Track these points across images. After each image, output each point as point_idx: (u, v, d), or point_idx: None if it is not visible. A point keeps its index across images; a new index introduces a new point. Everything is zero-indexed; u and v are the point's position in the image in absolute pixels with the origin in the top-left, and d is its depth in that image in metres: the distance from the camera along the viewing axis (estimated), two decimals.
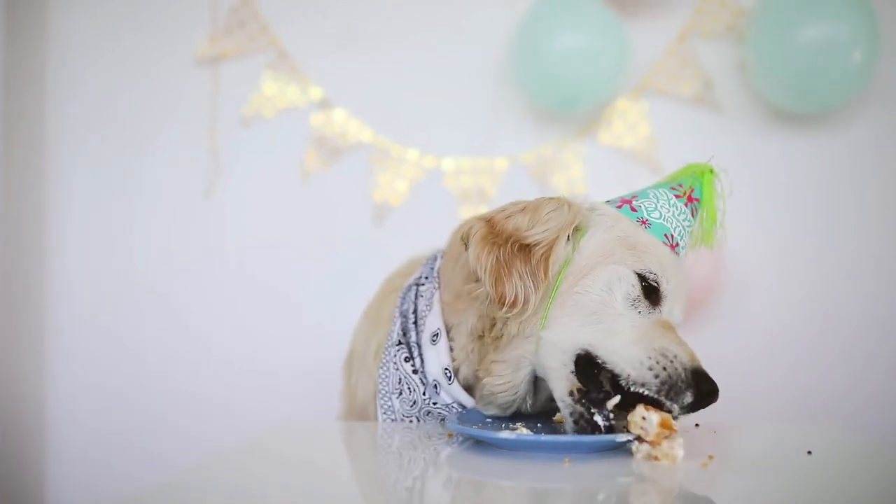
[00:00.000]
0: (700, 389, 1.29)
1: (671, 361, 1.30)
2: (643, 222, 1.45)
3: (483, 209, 2.65)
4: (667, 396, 1.29)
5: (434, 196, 2.67)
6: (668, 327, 1.37)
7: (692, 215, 1.49)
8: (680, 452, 1.20)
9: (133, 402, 2.70)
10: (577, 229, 1.41)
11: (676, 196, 1.49)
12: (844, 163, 2.63)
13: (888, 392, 2.55)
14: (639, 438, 1.21)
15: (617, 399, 1.30)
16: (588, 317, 1.36)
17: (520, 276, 1.35)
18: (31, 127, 2.68)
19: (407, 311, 1.57)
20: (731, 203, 2.60)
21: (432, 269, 1.60)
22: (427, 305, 1.55)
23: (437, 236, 2.65)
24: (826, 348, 2.58)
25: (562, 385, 1.34)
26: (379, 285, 1.81)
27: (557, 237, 1.37)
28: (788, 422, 2.52)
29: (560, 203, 1.43)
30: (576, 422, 1.30)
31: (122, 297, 2.72)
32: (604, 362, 1.33)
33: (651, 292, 1.38)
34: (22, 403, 2.64)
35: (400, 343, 1.55)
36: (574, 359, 1.35)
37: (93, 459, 2.69)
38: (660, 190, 1.51)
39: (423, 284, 1.59)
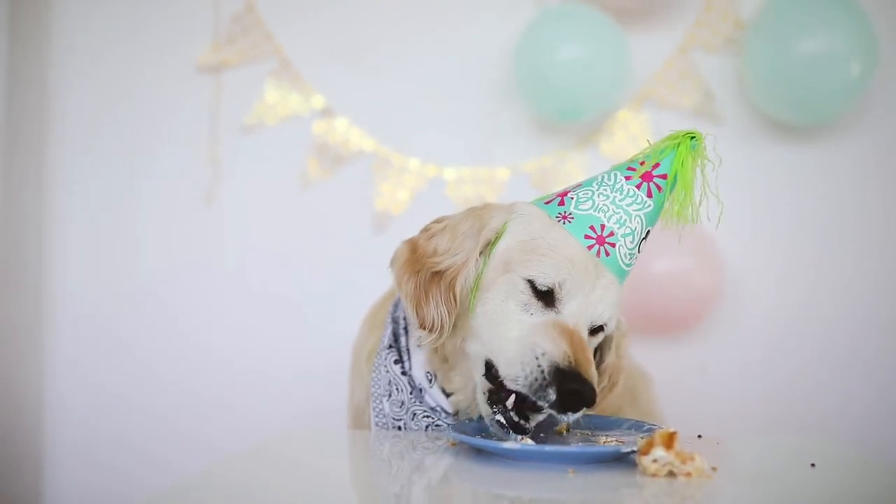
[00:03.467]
0: (562, 388, 1.29)
1: (537, 358, 1.33)
2: (564, 217, 1.42)
3: None
4: (534, 394, 1.31)
5: (435, 205, 2.66)
6: (557, 326, 1.36)
7: (649, 195, 1.42)
8: (706, 464, 1.20)
9: (132, 404, 2.70)
10: (490, 242, 1.44)
11: (627, 178, 1.43)
12: (842, 174, 2.64)
13: (888, 401, 2.56)
14: (671, 473, 1.20)
15: (512, 398, 1.34)
16: (491, 327, 1.40)
17: (436, 304, 1.40)
18: (32, 131, 2.68)
19: (399, 317, 1.60)
20: (733, 213, 2.63)
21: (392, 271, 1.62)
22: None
23: None
24: (826, 358, 2.59)
25: (479, 389, 1.41)
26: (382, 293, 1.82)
27: (466, 261, 1.42)
28: (788, 431, 2.52)
29: (478, 216, 1.47)
30: (490, 422, 1.37)
31: (122, 301, 2.72)
32: (495, 369, 1.38)
33: (544, 295, 1.39)
34: (20, 404, 2.63)
35: (391, 346, 1.58)
36: (484, 365, 1.41)
37: (91, 460, 2.69)
38: (612, 173, 1.46)
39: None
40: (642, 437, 1.31)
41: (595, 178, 1.48)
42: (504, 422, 1.34)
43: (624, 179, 1.44)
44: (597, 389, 1.33)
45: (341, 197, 2.69)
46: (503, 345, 1.37)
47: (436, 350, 1.50)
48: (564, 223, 1.42)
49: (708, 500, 1.13)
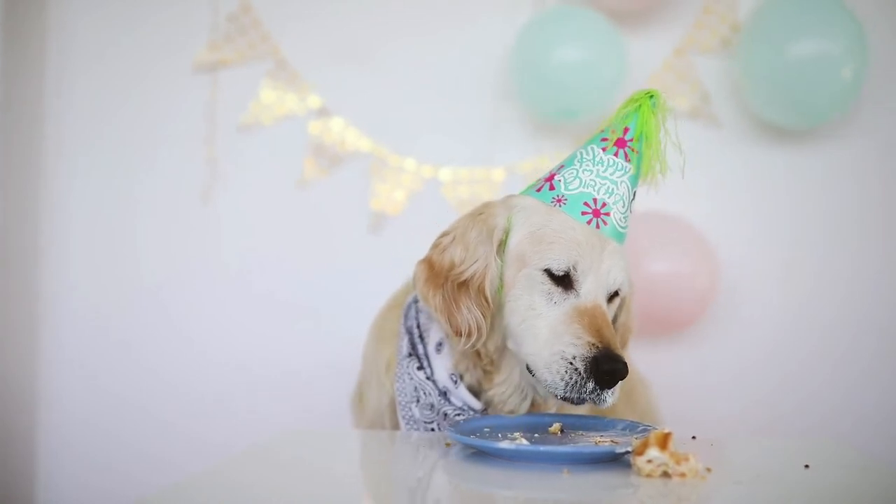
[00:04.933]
0: (598, 373, 1.39)
1: (570, 363, 1.41)
2: (558, 201, 1.51)
3: None
4: (575, 392, 1.40)
5: (432, 206, 2.67)
6: (578, 314, 1.45)
7: (627, 160, 1.52)
8: (700, 465, 1.20)
9: (128, 403, 2.70)
10: (502, 241, 1.51)
11: (604, 149, 1.53)
12: (837, 175, 2.65)
13: (886, 404, 2.57)
14: (665, 474, 1.20)
15: None
16: (521, 324, 1.48)
17: (468, 309, 1.47)
18: (29, 131, 2.67)
19: (411, 326, 1.65)
20: (729, 214, 2.64)
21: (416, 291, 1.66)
22: (428, 319, 1.63)
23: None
24: (823, 360, 2.60)
25: (538, 384, 1.49)
26: (385, 301, 1.84)
27: (487, 265, 1.49)
28: (785, 433, 2.53)
29: (482, 220, 1.53)
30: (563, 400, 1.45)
31: (119, 300, 2.72)
32: (535, 373, 1.47)
33: (562, 280, 1.47)
34: (15, 404, 2.63)
35: (411, 355, 1.62)
36: (526, 366, 1.49)
37: (86, 460, 2.69)
38: (587, 148, 1.55)
39: (419, 301, 1.65)
40: (637, 438, 1.31)
41: (573, 156, 1.56)
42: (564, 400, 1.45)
43: (601, 151, 1.53)
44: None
45: (337, 197, 2.69)
46: (537, 350, 1.45)
47: (472, 353, 1.55)
48: (560, 206, 1.50)
49: (702, 501, 1.14)
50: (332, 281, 2.68)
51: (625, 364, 1.40)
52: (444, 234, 1.57)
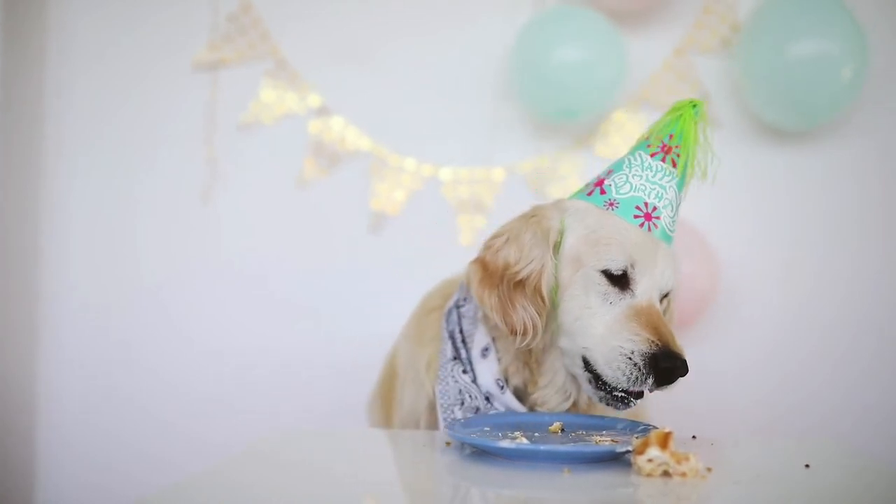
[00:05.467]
0: (658, 370, 1.43)
1: (630, 358, 1.44)
2: (611, 204, 1.54)
3: (480, 219, 2.66)
4: (636, 387, 1.46)
5: (431, 205, 2.67)
6: (635, 313, 1.49)
7: (674, 165, 1.56)
8: (701, 464, 1.20)
9: (127, 402, 2.70)
10: (557, 242, 1.54)
11: (652, 155, 1.56)
12: (836, 175, 2.65)
13: (886, 404, 2.57)
14: (666, 473, 1.20)
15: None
16: (578, 324, 1.52)
17: (523, 308, 1.50)
18: (28, 130, 2.67)
19: (453, 331, 1.67)
20: (729, 214, 2.64)
21: (469, 291, 1.68)
22: (472, 324, 1.66)
23: (433, 245, 2.67)
24: (823, 360, 2.60)
25: (583, 379, 1.54)
26: (417, 305, 1.86)
27: (543, 265, 1.51)
28: (785, 433, 2.53)
29: (536, 222, 1.55)
30: (607, 403, 1.50)
31: (118, 299, 2.72)
32: (594, 368, 1.50)
33: (618, 280, 1.51)
34: (12, 404, 2.62)
35: (455, 358, 1.64)
36: (582, 362, 1.52)
37: (85, 459, 2.69)
38: (635, 154, 1.58)
39: (462, 306, 1.69)
40: (637, 437, 1.31)
41: (622, 162, 1.59)
42: (610, 401, 1.50)
43: (649, 157, 1.57)
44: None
45: (337, 196, 2.69)
46: (594, 344, 1.50)
47: (523, 353, 1.59)
48: (613, 210, 1.54)
49: (703, 501, 1.14)
50: (332, 281, 2.68)
51: (684, 362, 1.43)
52: (496, 236, 1.60)
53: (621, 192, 1.54)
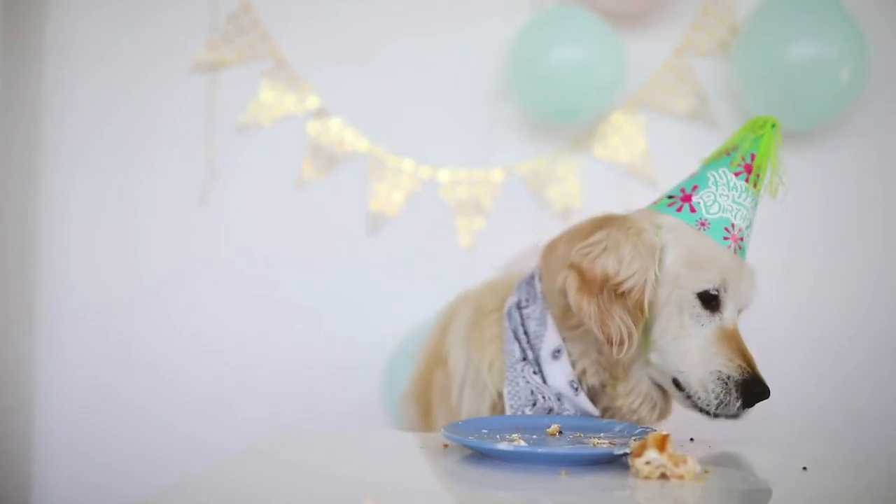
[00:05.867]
0: (747, 396, 1.50)
1: (725, 383, 1.51)
2: (702, 224, 1.57)
3: (479, 220, 2.66)
4: (724, 410, 1.52)
5: (430, 206, 2.67)
6: (725, 336, 1.55)
7: (755, 186, 1.59)
8: (699, 467, 1.20)
9: (127, 403, 2.70)
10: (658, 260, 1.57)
11: (736, 174, 1.59)
12: (834, 177, 2.66)
13: (884, 405, 2.57)
14: (663, 476, 1.20)
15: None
16: (671, 342, 1.56)
17: (621, 318, 1.51)
18: (27, 131, 2.67)
19: (517, 332, 1.67)
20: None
21: (534, 291, 1.70)
22: (540, 325, 1.66)
23: (432, 246, 2.67)
24: (822, 361, 2.60)
25: (673, 395, 1.60)
26: (462, 307, 1.85)
27: (646, 280, 1.53)
28: (783, 434, 2.53)
29: (635, 234, 1.55)
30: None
31: (117, 299, 2.72)
32: (685, 389, 1.56)
33: (710, 302, 1.55)
34: (10, 404, 2.62)
35: (525, 359, 1.64)
36: (672, 382, 1.58)
37: (85, 459, 2.69)
38: (719, 171, 1.60)
39: (526, 307, 1.69)
40: (635, 440, 1.31)
41: (706, 178, 1.60)
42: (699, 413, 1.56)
43: (734, 176, 1.59)
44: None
45: (336, 197, 2.69)
46: (689, 368, 1.55)
47: (605, 359, 1.61)
48: (705, 230, 1.57)
49: (700, 503, 1.14)
50: (332, 281, 2.68)
51: (768, 388, 1.51)
52: (591, 244, 1.58)
53: (710, 211, 1.57)
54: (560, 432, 1.46)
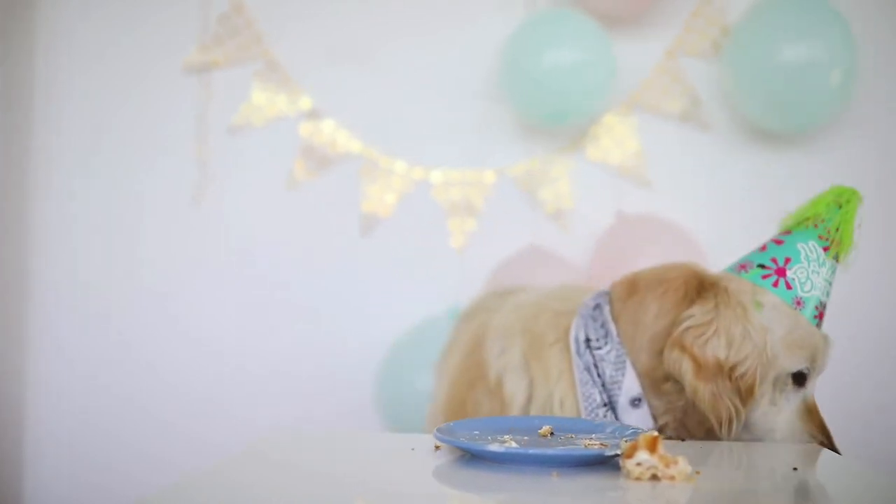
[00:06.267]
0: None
1: None
2: (798, 303, 1.58)
3: (471, 221, 2.66)
4: None
5: (422, 208, 2.68)
6: (807, 410, 1.60)
7: (836, 259, 1.62)
8: (689, 468, 1.20)
9: (125, 403, 2.72)
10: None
11: (825, 249, 1.60)
12: (826, 179, 2.63)
13: (883, 405, 2.58)
14: (654, 477, 1.20)
15: None
16: (761, 417, 1.57)
17: (731, 401, 1.52)
18: (19, 133, 2.67)
19: (592, 373, 1.63)
20: (718, 218, 2.65)
21: (605, 330, 1.65)
22: (617, 370, 1.62)
23: (425, 248, 2.67)
24: None
25: None
26: (495, 328, 1.79)
27: (756, 367, 1.53)
28: None
29: (744, 317, 1.54)
30: None
31: (109, 298, 2.73)
32: None
33: (800, 379, 1.58)
34: (6, 404, 2.62)
35: (606, 405, 1.61)
36: None
37: (85, 459, 2.70)
38: (809, 244, 1.60)
39: (599, 347, 1.63)
40: (626, 441, 1.31)
41: (797, 251, 1.60)
42: None
43: (823, 252, 1.61)
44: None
45: (328, 199, 2.69)
46: (773, 440, 1.57)
47: (690, 417, 1.60)
48: (800, 309, 1.58)
49: (692, 503, 1.13)
50: (322, 282, 2.69)
51: (837, 451, 1.54)
52: (700, 325, 1.56)
53: (804, 289, 1.58)
54: (552, 433, 1.46)
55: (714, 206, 2.67)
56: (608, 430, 1.47)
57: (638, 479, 1.19)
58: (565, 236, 2.66)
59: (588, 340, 1.65)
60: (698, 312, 1.55)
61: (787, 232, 1.65)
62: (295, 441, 1.51)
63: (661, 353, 1.57)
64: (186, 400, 2.68)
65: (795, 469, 1.28)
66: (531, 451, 1.26)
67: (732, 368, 1.52)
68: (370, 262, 2.68)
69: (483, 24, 2.68)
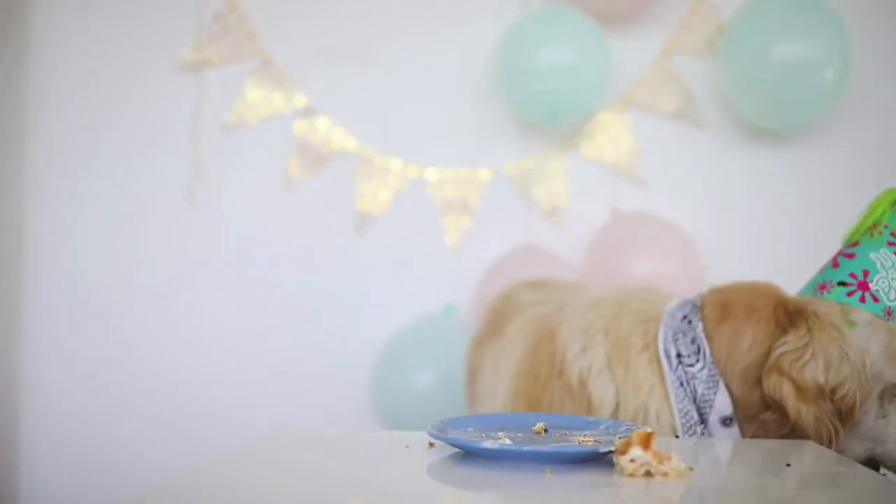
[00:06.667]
0: None
1: None
2: (888, 314, 1.58)
3: (466, 219, 2.66)
4: None
5: (417, 206, 2.67)
6: None
7: None
8: (683, 464, 1.20)
9: (124, 403, 2.72)
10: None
11: (895, 254, 1.61)
12: (819, 178, 2.68)
13: None
14: (648, 473, 1.20)
15: None
16: (869, 431, 1.59)
17: (831, 422, 1.53)
18: (11, 131, 2.66)
19: (686, 388, 1.63)
20: (711, 216, 2.65)
21: (696, 347, 1.65)
22: (709, 388, 1.62)
23: (419, 245, 2.68)
24: None
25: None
26: (562, 327, 1.77)
27: (856, 390, 1.54)
28: None
29: (841, 339, 1.55)
30: None
31: (103, 297, 2.72)
32: (879, 465, 1.61)
33: None
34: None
35: (701, 423, 1.62)
36: (865, 459, 1.62)
37: (85, 459, 2.71)
38: (881, 252, 1.61)
39: (691, 364, 1.63)
40: (620, 437, 1.31)
41: (873, 262, 1.61)
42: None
43: (893, 256, 1.61)
44: None
45: (323, 196, 2.69)
46: (885, 448, 1.59)
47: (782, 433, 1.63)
48: (891, 319, 1.58)
49: (684, 500, 1.14)
50: (317, 279, 2.69)
51: None
52: (797, 349, 1.57)
53: (890, 298, 1.58)
54: (546, 430, 1.46)
55: (708, 204, 2.67)
56: (602, 426, 1.47)
57: (632, 475, 1.19)
58: (560, 234, 2.66)
59: (679, 356, 1.64)
60: (792, 339, 1.57)
61: (855, 244, 1.66)
62: (288, 440, 1.51)
63: (754, 382, 1.58)
64: (183, 399, 2.67)
65: (788, 465, 1.29)
66: (525, 447, 1.26)
67: (833, 391, 1.52)
68: (365, 259, 2.68)
69: (478, 22, 2.68)
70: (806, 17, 2.45)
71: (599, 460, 1.28)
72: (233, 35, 2.68)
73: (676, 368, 1.64)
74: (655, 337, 1.67)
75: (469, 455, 1.31)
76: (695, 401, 1.62)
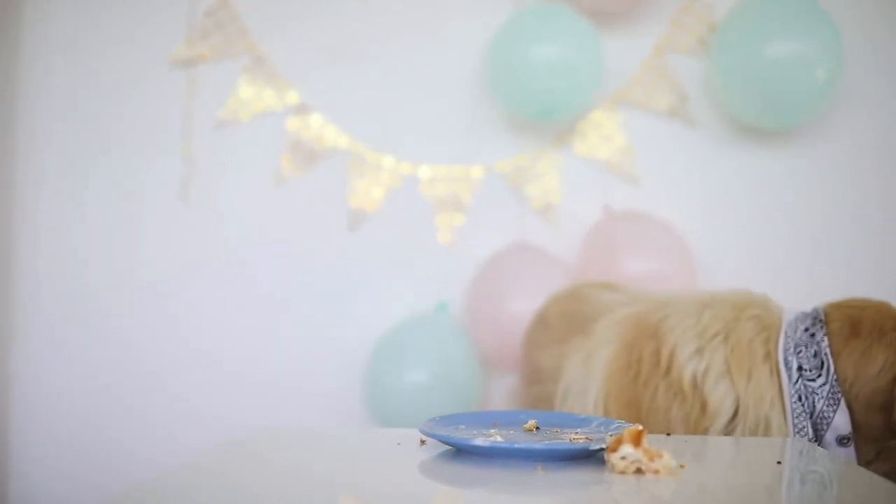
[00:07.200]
0: None
1: None
2: None
3: (458, 217, 2.66)
4: None
5: (410, 203, 2.67)
6: None
7: None
8: (674, 462, 1.20)
9: (121, 403, 2.69)
10: None
11: None
12: (812, 177, 2.69)
13: None
14: (639, 471, 1.20)
15: None
16: None
17: None
18: (2, 128, 2.65)
19: (806, 404, 1.60)
20: (705, 215, 2.66)
21: (819, 361, 1.61)
22: (829, 406, 1.58)
23: (412, 243, 2.67)
24: None
25: None
26: (683, 325, 1.72)
27: None
28: None
29: None
30: None
31: (99, 296, 2.71)
32: None
33: None
34: None
35: (817, 440, 1.59)
36: None
37: (85, 459, 2.69)
38: None
39: (812, 379, 1.60)
40: (611, 435, 1.31)
41: None
42: None
43: None
44: None
45: (316, 194, 2.69)
46: None
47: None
48: None
49: (675, 497, 1.14)
50: (310, 277, 2.69)
51: None
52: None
53: None
54: (537, 428, 1.46)
55: (701, 202, 2.68)
56: (593, 424, 1.47)
57: (622, 472, 1.19)
58: (553, 232, 2.66)
59: (801, 369, 1.60)
60: None
61: None
62: (279, 437, 1.51)
63: (879, 406, 1.55)
64: (176, 396, 2.67)
65: (779, 462, 1.29)
66: (516, 445, 1.26)
67: None
68: (358, 257, 2.68)
69: (470, 19, 2.68)
70: (799, 15, 2.45)
71: (590, 458, 1.28)
72: (225, 31, 2.67)
73: (797, 382, 1.59)
74: (776, 346, 1.63)
75: (460, 452, 1.31)
76: (811, 416, 1.58)
